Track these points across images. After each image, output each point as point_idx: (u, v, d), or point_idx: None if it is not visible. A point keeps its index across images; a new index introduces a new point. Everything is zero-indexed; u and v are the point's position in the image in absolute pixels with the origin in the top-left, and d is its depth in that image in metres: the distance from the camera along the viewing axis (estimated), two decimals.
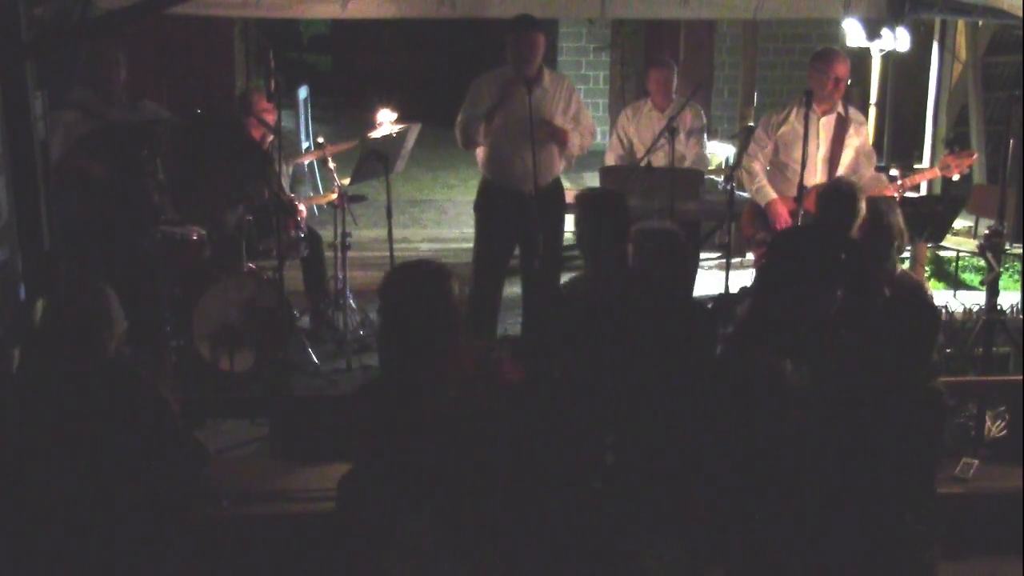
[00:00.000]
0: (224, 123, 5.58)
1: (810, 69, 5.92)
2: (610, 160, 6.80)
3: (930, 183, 7.46)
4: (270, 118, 6.20)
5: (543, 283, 5.94)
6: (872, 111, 8.35)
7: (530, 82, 5.57)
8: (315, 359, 5.96)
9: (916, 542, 3.40)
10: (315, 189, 10.02)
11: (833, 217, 4.70)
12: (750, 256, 7.53)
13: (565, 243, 8.78)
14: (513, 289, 6.70)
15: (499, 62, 5.86)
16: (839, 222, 4.65)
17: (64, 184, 5.11)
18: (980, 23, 8.48)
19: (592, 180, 10.30)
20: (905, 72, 8.65)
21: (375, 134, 6.67)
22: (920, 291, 4.85)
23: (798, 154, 5.62)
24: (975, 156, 6.25)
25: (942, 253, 8.06)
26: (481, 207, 6.03)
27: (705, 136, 6.86)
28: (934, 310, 3.64)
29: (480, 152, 5.95)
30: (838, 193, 4.81)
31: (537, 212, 5.70)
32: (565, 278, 7.90)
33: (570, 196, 6.87)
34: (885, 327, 3.42)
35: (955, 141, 7.33)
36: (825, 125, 5.91)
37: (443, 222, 10.08)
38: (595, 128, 6.40)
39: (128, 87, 5.51)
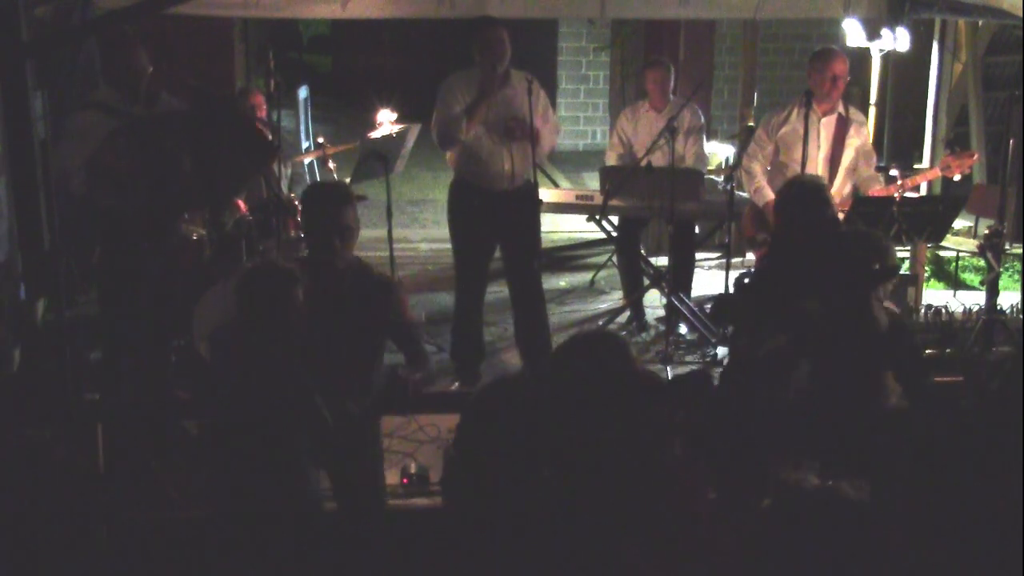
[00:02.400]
0: (226, 110, 5.52)
1: (808, 68, 5.92)
2: (610, 160, 6.80)
3: (930, 183, 7.46)
4: (261, 113, 6.22)
5: (532, 282, 5.94)
6: (872, 111, 8.34)
7: (503, 80, 5.58)
8: None
9: None
10: None
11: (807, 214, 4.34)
12: (750, 256, 7.53)
13: (562, 243, 8.85)
14: (501, 289, 6.71)
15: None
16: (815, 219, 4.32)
17: (96, 183, 5.08)
18: (980, 23, 8.47)
19: (592, 180, 10.31)
20: (905, 72, 8.65)
21: (375, 134, 6.67)
22: None
23: (799, 155, 5.61)
24: (975, 157, 6.25)
25: (942, 253, 8.06)
26: (455, 207, 5.98)
27: (704, 135, 6.86)
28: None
29: (453, 151, 5.92)
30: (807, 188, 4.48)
31: (517, 211, 5.71)
32: (562, 279, 7.99)
33: (570, 196, 6.91)
34: None
35: (955, 141, 7.32)
36: (826, 125, 5.90)
37: (443, 222, 9.95)
38: (559, 126, 6.43)
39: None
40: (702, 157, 6.78)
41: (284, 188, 6.37)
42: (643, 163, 6.14)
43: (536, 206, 5.93)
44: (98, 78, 7.53)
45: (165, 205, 5.18)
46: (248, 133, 5.36)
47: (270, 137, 6.26)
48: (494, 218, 5.79)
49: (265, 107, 6.34)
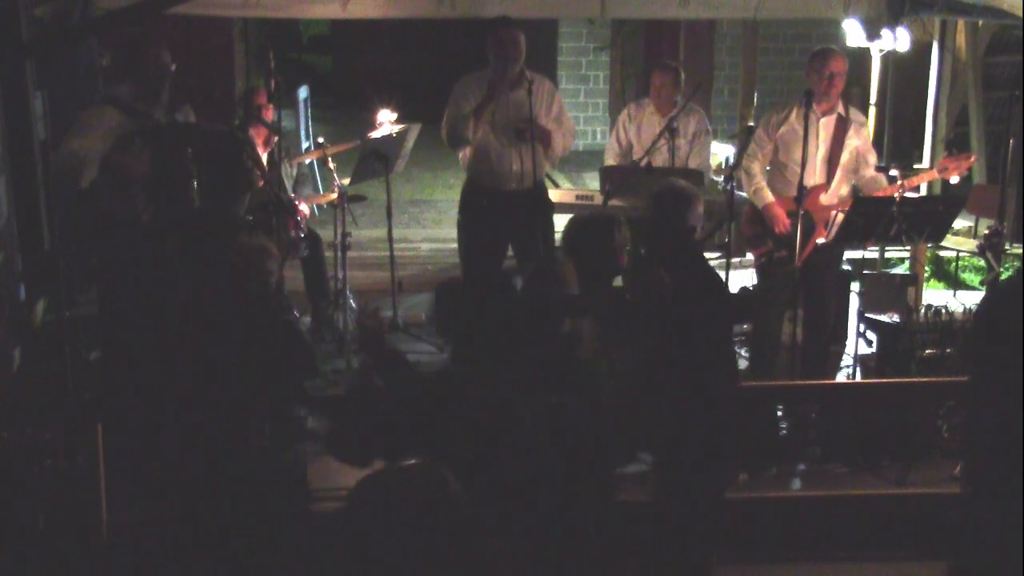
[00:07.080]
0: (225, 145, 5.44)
1: (807, 68, 5.90)
2: (609, 160, 6.79)
3: (930, 183, 7.47)
4: (268, 115, 6.21)
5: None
6: (872, 111, 8.35)
7: (515, 82, 5.57)
8: None
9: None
10: (315, 189, 10.02)
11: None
12: (750, 256, 7.53)
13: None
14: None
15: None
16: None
17: (105, 180, 5.04)
18: (980, 23, 8.47)
19: (592, 180, 10.31)
20: (905, 72, 8.66)
21: (375, 134, 6.67)
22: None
23: (798, 155, 5.61)
24: (973, 158, 6.23)
25: (942, 253, 8.06)
26: (466, 209, 5.98)
27: (709, 140, 6.85)
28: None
29: (465, 152, 5.93)
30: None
31: (528, 211, 5.70)
32: None
33: (571, 196, 6.90)
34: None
35: (955, 142, 7.32)
36: (825, 125, 5.89)
37: (443, 222, 10.08)
38: (575, 129, 6.41)
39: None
40: (705, 164, 6.76)
41: (289, 188, 6.37)
42: (643, 163, 6.13)
43: (548, 207, 5.94)
44: (99, 77, 7.51)
45: (171, 216, 5.15)
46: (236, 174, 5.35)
47: (274, 138, 6.25)
48: (504, 219, 5.79)
49: (272, 107, 6.31)
